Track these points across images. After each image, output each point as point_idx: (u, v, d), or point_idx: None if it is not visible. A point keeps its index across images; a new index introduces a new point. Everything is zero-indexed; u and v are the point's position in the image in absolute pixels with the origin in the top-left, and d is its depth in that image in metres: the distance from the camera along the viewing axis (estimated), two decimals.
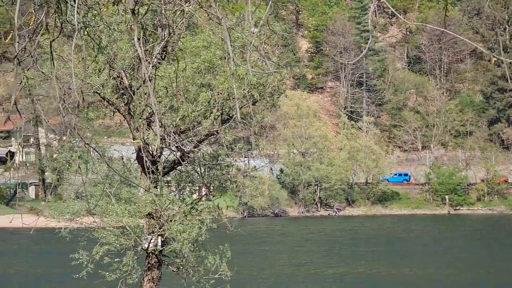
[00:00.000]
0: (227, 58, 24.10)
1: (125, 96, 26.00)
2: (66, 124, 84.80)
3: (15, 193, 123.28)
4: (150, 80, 7.97)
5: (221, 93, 25.57)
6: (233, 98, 25.41)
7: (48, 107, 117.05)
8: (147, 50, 17.96)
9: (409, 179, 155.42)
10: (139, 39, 7.69)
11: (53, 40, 7.54)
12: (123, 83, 25.30)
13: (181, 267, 27.07)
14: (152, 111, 19.04)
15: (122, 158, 31.27)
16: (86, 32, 8.95)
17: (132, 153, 28.43)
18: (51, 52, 7.75)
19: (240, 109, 25.44)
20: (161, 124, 23.20)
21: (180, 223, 25.69)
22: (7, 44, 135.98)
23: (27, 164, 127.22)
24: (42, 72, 20.76)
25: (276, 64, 20.39)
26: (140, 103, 24.05)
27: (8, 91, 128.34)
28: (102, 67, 25.33)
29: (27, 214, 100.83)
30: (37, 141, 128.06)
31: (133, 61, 22.96)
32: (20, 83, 10.45)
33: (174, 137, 24.99)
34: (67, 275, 48.67)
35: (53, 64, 7.91)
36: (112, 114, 27.90)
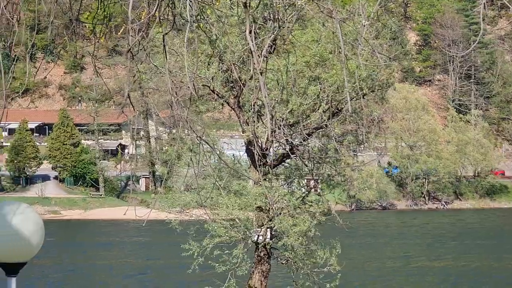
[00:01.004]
0: (336, 52, 24.01)
1: (234, 89, 26.25)
2: (177, 117, 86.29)
3: (126, 186, 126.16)
4: (261, 73, 7.94)
5: (330, 87, 25.50)
6: (342, 91, 25.34)
7: (158, 100, 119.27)
8: (257, 43, 18.02)
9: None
10: (250, 32, 7.68)
11: (166, 34, 7.60)
12: (232, 76, 25.52)
13: (290, 260, 27.19)
14: (263, 104, 19.15)
15: None
16: (198, 26, 9.01)
17: (242, 146, 28.65)
18: (164, 46, 7.83)
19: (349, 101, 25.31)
20: (272, 117, 23.32)
21: (290, 216, 25.80)
22: (118, 38, 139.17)
23: (138, 157, 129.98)
24: (154, 66, 21.19)
25: (386, 58, 20.17)
26: (249, 96, 24.20)
27: (119, 85, 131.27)
28: (212, 60, 25.61)
29: (139, 206, 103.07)
30: (147, 134, 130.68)
31: (242, 54, 23.11)
32: (133, 77, 10.67)
33: (283, 130, 25.10)
34: (177, 266, 49.57)
35: (166, 58, 7.99)
36: (221, 107, 28.21)
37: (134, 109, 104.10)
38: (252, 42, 7.50)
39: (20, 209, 5.82)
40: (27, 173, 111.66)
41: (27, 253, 5.87)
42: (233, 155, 30.44)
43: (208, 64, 25.70)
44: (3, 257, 5.77)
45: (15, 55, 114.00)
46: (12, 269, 5.87)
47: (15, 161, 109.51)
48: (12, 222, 5.71)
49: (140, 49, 8.38)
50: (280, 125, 24.82)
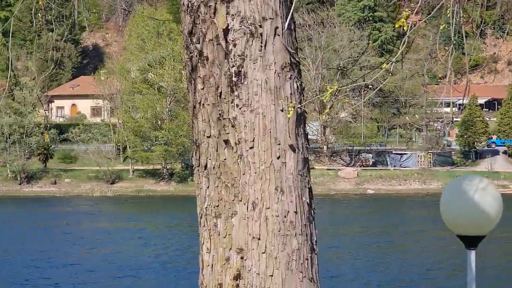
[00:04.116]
0: None
1: None
2: None
3: None
4: None
5: None
6: None
7: None
8: None
9: None
10: None
11: None
12: None
13: None
14: None
15: None
16: None
17: None
18: None
19: None
20: None
21: None
22: None
23: None
24: None
25: None
26: None
27: None
28: None
29: None
30: None
31: None
32: None
33: None
34: None
35: None
36: None
37: None
38: None
39: (481, 184, 5.97)
40: (477, 148, 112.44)
41: (486, 226, 5.99)
42: None
43: None
44: (464, 230, 6.01)
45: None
46: (472, 242, 6.06)
47: (465, 136, 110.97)
48: (473, 196, 5.92)
49: None
50: None
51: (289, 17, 5.77)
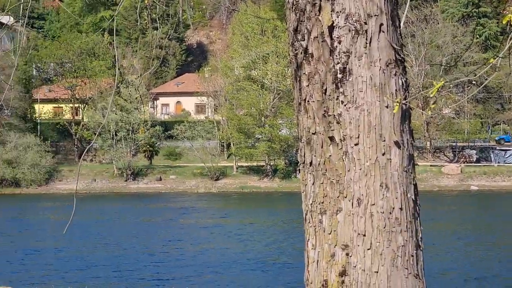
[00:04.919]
0: None
1: None
2: None
3: None
4: None
5: None
6: None
7: None
8: None
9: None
10: None
11: None
12: None
13: None
14: None
15: None
16: None
17: None
18: None
19: None
20: None
21: None
22: None
23: None
24: None
25: None
26: None
27: None
28: None
29: None
30: None
31: None
32: None
33: None
34: None
35: None
36: None
37: None
38: None
39: None
40: None
41: None
42: None
43: None
44: None
45: None
46: None
47: None
48: None
49: None
50: None
51: (404, 15, 5.76)
